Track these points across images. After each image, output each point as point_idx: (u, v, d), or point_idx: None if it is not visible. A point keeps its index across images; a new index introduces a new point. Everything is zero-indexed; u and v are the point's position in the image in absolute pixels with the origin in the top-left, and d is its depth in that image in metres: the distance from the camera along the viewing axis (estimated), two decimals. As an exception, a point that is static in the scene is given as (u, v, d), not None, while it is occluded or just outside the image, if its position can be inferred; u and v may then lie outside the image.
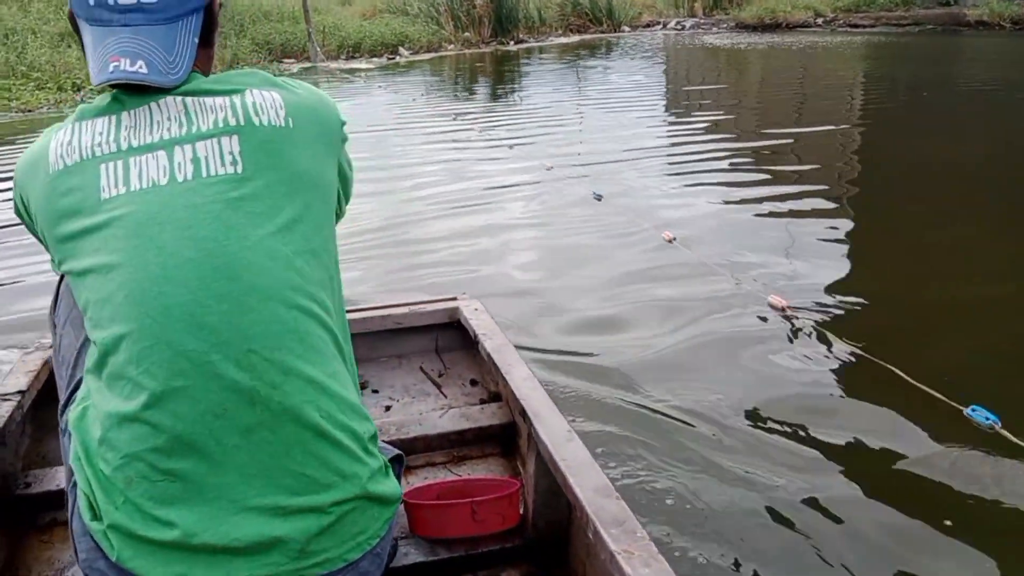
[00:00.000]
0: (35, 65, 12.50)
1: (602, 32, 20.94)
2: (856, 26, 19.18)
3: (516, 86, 12.15)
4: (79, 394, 1.23)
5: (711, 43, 17.48)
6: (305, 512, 1.12)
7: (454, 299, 2.40)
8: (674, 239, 4.13)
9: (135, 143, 1.16)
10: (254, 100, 1.20)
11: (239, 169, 1.16)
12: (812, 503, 2.18)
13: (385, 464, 1.26)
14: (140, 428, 1.09)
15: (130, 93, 1.20)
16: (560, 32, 20.66)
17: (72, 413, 1.20)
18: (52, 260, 1.23)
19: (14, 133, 9.07)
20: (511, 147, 6.74)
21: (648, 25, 22.16)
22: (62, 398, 1.35)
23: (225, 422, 1.10)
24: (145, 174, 1.15)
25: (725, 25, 20.94)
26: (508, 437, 1.99)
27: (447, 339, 2.41)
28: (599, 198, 5.03)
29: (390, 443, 1.59)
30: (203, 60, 1.27)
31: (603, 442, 2.43)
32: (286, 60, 15.68)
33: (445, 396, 2.22)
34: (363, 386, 2.22)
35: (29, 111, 10.76)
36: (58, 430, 1.33)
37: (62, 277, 1.36)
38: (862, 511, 2.16)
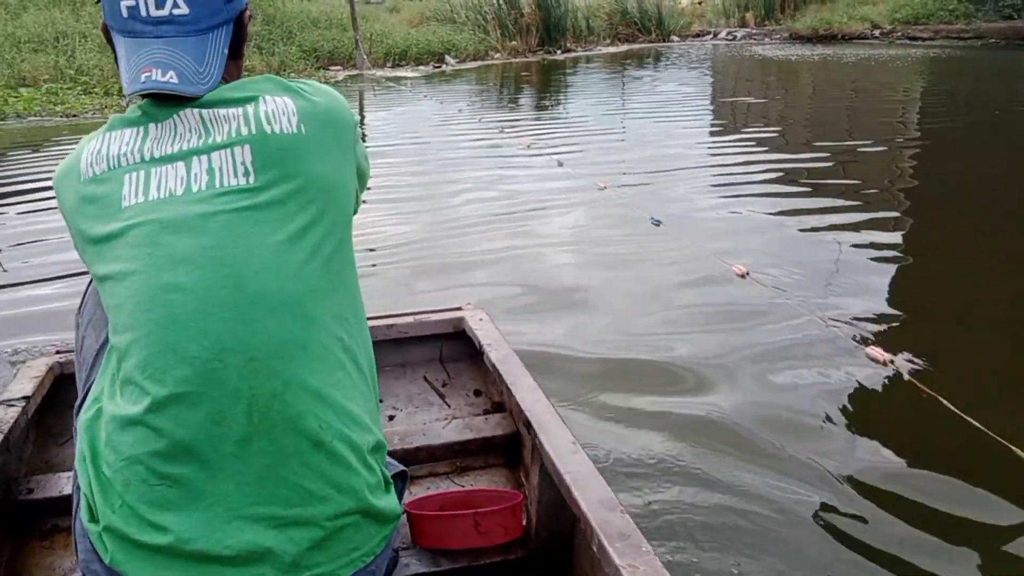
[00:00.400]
0: (83, 69, 12.57)
1: (651, 42, 20.66)
2: (915, 39, 18.67)
3: (564, 97, 11.93)
4: (91, 395, 1.24)
5: (764, 54, 17.12)
6: (299, 524, 1.12)
7: (459, 309, 2.38)
8: (747, 273, 3.81)
9: (157, 154, 1.20)
10: (267, 108, 1.22)
11: (251, 179, 1.18)
12: (830, 527, 2.10)
13: (387, 479, 1.26)
14: (142, 432, 1.10)
15: (158, 105, 1.23)
16: (608, 41, 20.42)
17: (84, 414, 1.21)
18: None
19: (58, 136, 9.10)
20: (560, 164, 6.49)
21: (698, 35, 21.82)
22: (79, 399, 1.35)
23: (224, 429, 1.10)
24: (164, 184, 1.18)
25: (778, 36, 20.53)
26: (512, 448, 1.95)
27: (451, 349, 2.37)
28: (657, 223, 4.72)
29: (393, 453, 1.57)
30: (232, 70, 1.30)
31: (608, 455, 2.38)
32: (332, 67, 15.65)
33: (449, 406, 2.19)
34: None
35: (74, 115, 10.80)
36: (61, 437, 1.34)
37: (91, 279, 1.38)
38: (883, 536, 2.06)
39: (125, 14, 1.21)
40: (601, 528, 1.32)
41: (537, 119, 9.55)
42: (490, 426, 1.97)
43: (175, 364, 1.10)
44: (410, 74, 15.26)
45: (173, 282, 1.13)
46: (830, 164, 6.40)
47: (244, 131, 1.19)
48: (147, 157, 1.20)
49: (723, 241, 4.41)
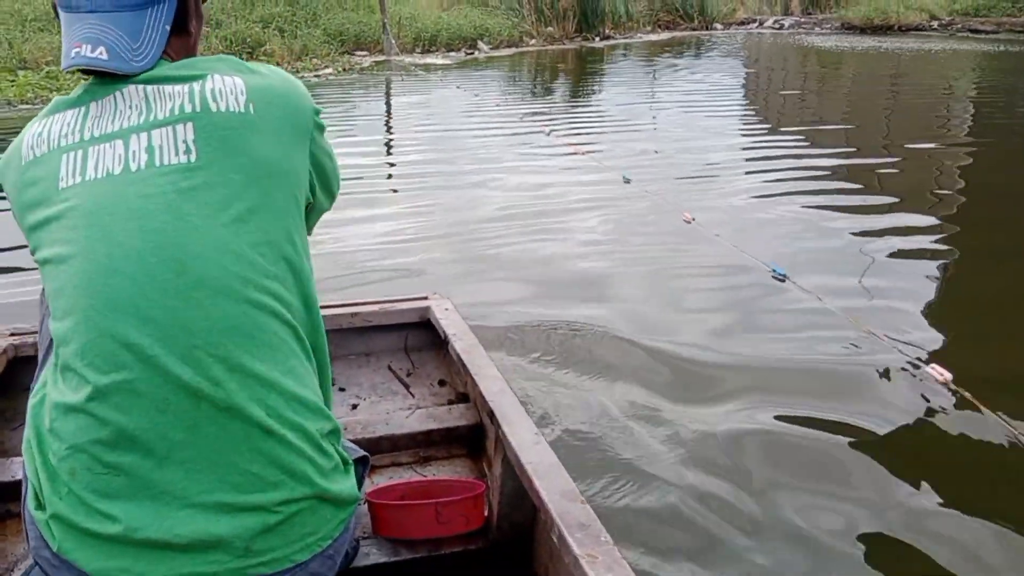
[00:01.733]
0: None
1: (692, 29, 19.65)
2: (976, 31, 17.58)
3: (610, 91, 10.90)
4: (40, 380, 1.21)
5: (813, 44, 16.07)
6: (251, 510, 1.09)
7: (425, 298, 2.36)
8: (951, 380, 2.71)
9: (96, 133, 1.16)
10: (214, 86, 1.16)
11: (193, 158, 1.12)
12: (783, 523, 2.08)
13: (345, 463, 1.23)
14: (84, 420, 1.07)
15: (100, 83, 1.19)
16: (648, 28, 19.46)
17: (32, 399, 1.19)
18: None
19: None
20: (627, 180, 5.50)
21: (743, 23, 20.80)
22: (34, 384, 1.26)
23: (169, 417, 1.07)
24: (101, 164, 1.14)
25: (829, 25, 19.45)
26: (475, 438, 1.94)
27: (416, 338, 2.35)
28: (782, 278, 3.64)
29: (355, 442, 1.55)
30: (177, 47, 1.24)
31: (571, 447, 2.37)
32: (358, 52, 14.69)
33: (413, 396, 2.18)
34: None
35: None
36: (14, 421, 1.34)
37: None
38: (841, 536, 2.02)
39: None
40: (561, 518, 1.31)
41: (585, 118, 8.53)
42: (454, 416, 1.95)
43: (114, 351, 1.06)
44: (440, 61, 14.29)
45: (111, 266, 1.08)
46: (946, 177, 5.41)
47: (188, 108, 1.14)
48: (86, 137, 1.15)
49: (875, 303, 3.41)
